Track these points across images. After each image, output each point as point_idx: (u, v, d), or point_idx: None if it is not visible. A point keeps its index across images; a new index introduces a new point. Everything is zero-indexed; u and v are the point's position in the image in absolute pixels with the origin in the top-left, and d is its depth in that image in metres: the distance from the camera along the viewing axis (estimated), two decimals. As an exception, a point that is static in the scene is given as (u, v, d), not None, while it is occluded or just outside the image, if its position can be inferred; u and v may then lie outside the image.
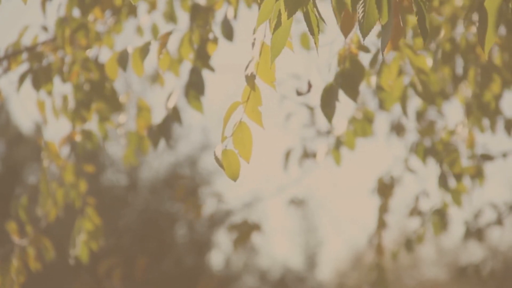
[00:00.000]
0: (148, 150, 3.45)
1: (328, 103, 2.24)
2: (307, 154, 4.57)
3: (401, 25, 1.69)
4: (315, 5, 1.66)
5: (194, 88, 2.69)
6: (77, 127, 3.30)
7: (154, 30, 3.64)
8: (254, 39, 1.83)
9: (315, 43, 1.68)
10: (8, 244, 3.49)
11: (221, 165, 1.80)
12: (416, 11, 1.65)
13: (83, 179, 3.49)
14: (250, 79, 1.81)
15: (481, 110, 3.06)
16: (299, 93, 2.46)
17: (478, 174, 3.64)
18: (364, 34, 1.63)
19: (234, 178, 1.81)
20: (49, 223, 3.45)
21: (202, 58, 2.69)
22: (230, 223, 4.48)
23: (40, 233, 3.44)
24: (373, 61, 2.54)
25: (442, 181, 3.61)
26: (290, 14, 1.61)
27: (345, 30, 1.87)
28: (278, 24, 1.65)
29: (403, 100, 2.82)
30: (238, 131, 1.81)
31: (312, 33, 1.67)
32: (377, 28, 2.23)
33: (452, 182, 3.56)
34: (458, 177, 3.49)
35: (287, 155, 4.48)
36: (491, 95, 3.01)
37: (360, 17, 1.63)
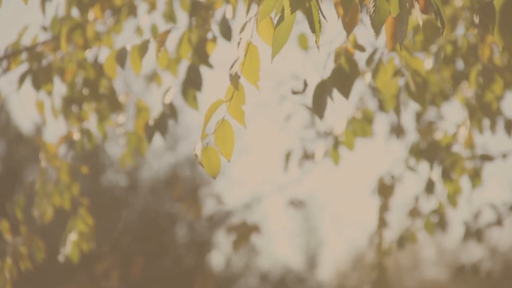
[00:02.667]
0: (146, 152, 3.44)
1: (319, 99, 2.23)
2: (307, 155, 4.56)
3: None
4: (317, 2, 1.64)
5: (192, 84, 2.67)
6: (72, 126, 3.29)
7: (154, 30, 3.63)
8: (240, 38, 1.83)
9: (316, 41, 1.66)
10: (1, 243, 3.49)
11: (199, 162, 1.80)
12: (433, 2, 1.63)
13: (77, 181, 3.48)
14: (234, 79, 1.81)
15: (483, 111, 3.05)
16: (294, 92, 2.46)
17: (475, 175, 3.64)
18: (377, 29, 1.60)
19: (214, 175, 1.81)
20: (45, 223, 3.45)
21: (201, 55, 2.68)
22: (229, 224, 4.48)
23: (33, 233, 3.44)
24: (370, 60, 2.53)
25: (429, 187, 3.62)
26: (293, 10, 1.59)
27: (348, 27, 1.83)
28: (280, 20, 1.64)
29: (397, 101, 2.81)
30: (220, 129, 1.82)
31: (314, 30, 1.65)
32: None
33: (444, 183, 3.56)
34: (451, 178, 3.48)
35: (287, 156, 4.48)
36: (492, 96, 3.00)
37: (371, 12, 1.61)
